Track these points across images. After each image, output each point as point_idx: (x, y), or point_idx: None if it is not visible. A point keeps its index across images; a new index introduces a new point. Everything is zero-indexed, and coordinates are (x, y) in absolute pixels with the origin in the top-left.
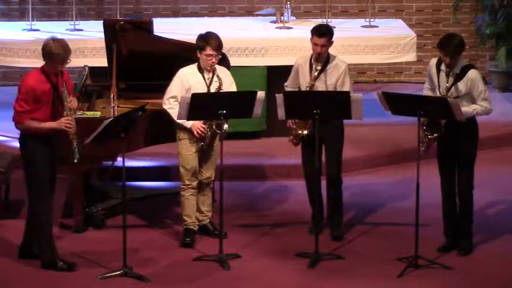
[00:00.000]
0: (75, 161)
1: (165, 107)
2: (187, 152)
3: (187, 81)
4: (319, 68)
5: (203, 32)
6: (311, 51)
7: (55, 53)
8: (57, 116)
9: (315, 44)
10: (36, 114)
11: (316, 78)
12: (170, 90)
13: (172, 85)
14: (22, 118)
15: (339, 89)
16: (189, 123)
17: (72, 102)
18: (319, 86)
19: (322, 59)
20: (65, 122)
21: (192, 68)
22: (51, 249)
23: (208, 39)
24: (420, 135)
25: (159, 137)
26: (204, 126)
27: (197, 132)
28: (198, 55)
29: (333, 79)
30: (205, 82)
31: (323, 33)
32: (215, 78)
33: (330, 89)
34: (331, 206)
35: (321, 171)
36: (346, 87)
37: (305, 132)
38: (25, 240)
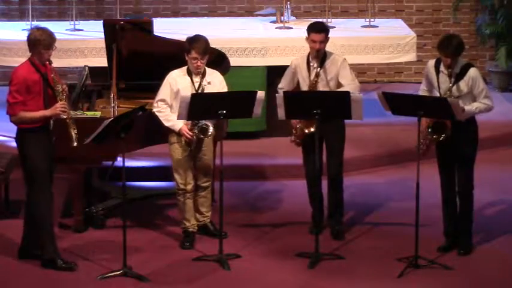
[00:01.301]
0: (74, 145)
1: (154, 110)
2: (179, 156)
3: (176, 84)
4: (316, 66)
5: (197, 33)
6: (307, 52)
7: (40, 39)
8: (48, 106)
9: (313, 41)
10: (29, 106)
11: (317, 76)
12: (159, 93)
13: (161, 88)
14: (15, 109)
15: (340, 80)
16: (177, 128)
17: (63, 86)
18: (320, 83)
19: (320, 55)
20: (60, 107)
21: (182, 70)
22: (53, 245)
23: (194, 42)
24: (422, 135)
25: (159, 137)
26: (189, 132)
27: (185, 137)
28: (186, 58)
29: (332, 73)
30: (193, 85)
31: (321, 29)
32: (204, 82)
33: (331, 83)
34: (332, 205)
35: (321, 171)
36: (346, 77)
37: (312, 129)
38: (24, 242)
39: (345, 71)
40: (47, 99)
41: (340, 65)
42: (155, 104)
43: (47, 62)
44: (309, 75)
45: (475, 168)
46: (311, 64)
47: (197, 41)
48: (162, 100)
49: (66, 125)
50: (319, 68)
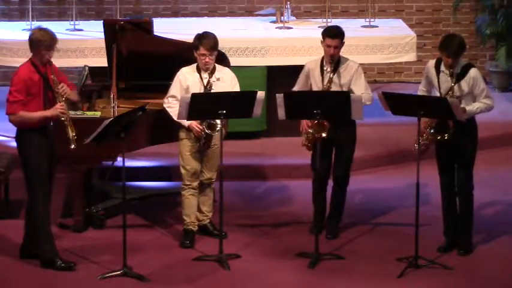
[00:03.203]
0: (72, 147)
1: (164, 105)
2: (187, 151)
3: (185, 80)
4: (329, 70)
5: (201, 31)
6: (320, 55)
7: (42, 39)
8: (48, 107)
9: (327, 46)
10: (29, 107)
11: (330, 81)
12: (170, 89)
13: (173, 84)
14: (15, 108)
15: (352, 87)
16: (186, 122)
17: (63, 88)
18: (333, 89)
19: (334, 60)
20: (59, 108)
21: (192, 67)
22: (51, 246)
23: (203, 38)
24: (424, 136)
25: (159, 137)
26: (199, 126)
27: (195, 131)
28: (195, 54)
29: (345, 79)
30: (202, 82)
31: (336, 34)
32: (213, 79)
33: (344, 89)
34: (333, 206)
35: (329, 173)
36: (360, 86)
37: (323, 134)
38: (25, 241)
39: (359, 80)
40: (47, 100)
41: (354, 72)
42: (165, 100)
43: (47, 63)
44: (322, 80)
45: (475, 168)
46: (325, 68)
47: (206, 38)
48: (173, 96)
49: (64, 126)
50: (332, 74)
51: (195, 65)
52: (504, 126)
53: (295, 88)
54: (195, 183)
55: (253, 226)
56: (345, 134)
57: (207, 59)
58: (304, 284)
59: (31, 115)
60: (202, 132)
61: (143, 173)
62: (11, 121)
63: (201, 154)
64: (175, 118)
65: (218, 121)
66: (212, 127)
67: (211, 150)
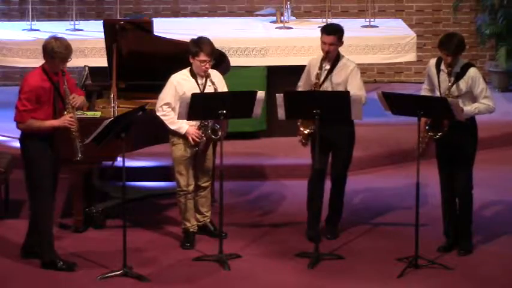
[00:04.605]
0: (78, 158)
1: (158, 113)
2: (181, 157)
3: (181, 87)
4: (327, 67)
5: (199, 35)
6: (322, 54)
7: (58, 51)
8: (58, 115)
9: (323, 43)
10: (37, 114)
11: (324, 78)
12: (163, 97)
13: (165, 92)
14: (24, 117)
15: (347, 88)
16: (183, 130)
17: (74, 99)
18: (328, 86)
19: (330, 58)
20: (68, 120)
21: (185, 73)
22: (51, 249)
23: (202, 44)
24: (420, 134)
25: (161, 137)
26: (198, 132)
27: (192, 139)
28: (191, 60)
29: (340, 79)
30: (199, 88)
31: (331, 31)
32: (209, 83)
33: (338, 88)
34: (332, 206)
35: (325, 173)
36: (354, 86)
37: (308, 130)
38: (27, 240)
39: (354, 80)
40: (57, 108)
41: (350, 72)
42: (159, 108)
43: (60, 72)
44: (318, 76)
45: (475, 168)
46: (323, 65)
47: (204, 44)
48: (167, 104)
49: (72, 138)
50: (326, 72)
51: (187, 70)
52: (504, 126)
53: (299, 83)
54: (191, 188)
55: (253, 226)
56: (343, 134)
57: (207, 65)
58: (304, 284)
59: (39, 124)
60: (204, 138)
61: (143, 173)
62: (18, 128)
63: (198, 158)
64: (171, 126)
65: (220, 133)
66: (215, 132)
67: (204, 153)
